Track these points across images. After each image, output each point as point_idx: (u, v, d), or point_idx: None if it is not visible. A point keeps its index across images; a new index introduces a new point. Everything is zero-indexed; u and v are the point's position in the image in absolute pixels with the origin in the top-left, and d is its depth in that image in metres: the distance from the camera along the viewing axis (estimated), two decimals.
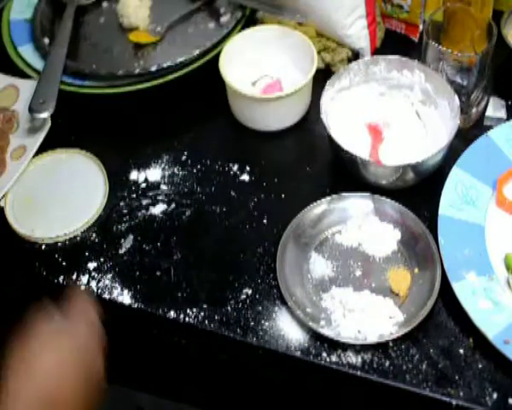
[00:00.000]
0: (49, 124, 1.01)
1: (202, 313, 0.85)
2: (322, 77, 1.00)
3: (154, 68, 1.05)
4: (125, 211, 0.95)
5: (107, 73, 1.05)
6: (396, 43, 1.14)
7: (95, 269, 0.90)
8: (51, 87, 1.02)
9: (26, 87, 1.06)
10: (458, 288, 0.82)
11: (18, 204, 0.96)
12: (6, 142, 1.02)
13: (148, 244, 0.92)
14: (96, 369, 0.74)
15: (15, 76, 1.09)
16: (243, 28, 1.10)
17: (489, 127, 0.98)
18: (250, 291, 0.86)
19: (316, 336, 0.82)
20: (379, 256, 0.88)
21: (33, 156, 1.00)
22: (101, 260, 0.90)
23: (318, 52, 1.08)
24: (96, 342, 0.76)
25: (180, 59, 1.05)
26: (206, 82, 1.07)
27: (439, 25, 1.00)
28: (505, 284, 0.83)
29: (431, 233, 0.87)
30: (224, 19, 1.14)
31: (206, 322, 0.84)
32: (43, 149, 1.01)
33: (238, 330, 0.84)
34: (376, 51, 1.11)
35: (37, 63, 1.08)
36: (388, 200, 0.91)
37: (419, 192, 0.94)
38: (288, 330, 0.83)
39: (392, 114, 1.00)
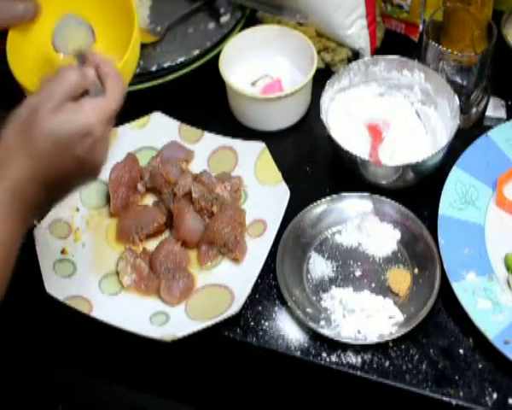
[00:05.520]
0: (287, 195, 0.91)
1: None
2: (322, 77, 1.00)
3: (154, 68, 1.05)
4: None
5: None
6: (396, 43, 1.14)
7: None
8: None
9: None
10: (458, 288, 0.82)
11: None
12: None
13: None
14: (98, 158, 0.70)
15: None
16: (243, 28, 1.10)
17: (489, 127, 0.98)
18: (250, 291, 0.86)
19: (316, 336, 0.82)
20: (379, 256, 0.88)
21: None
22: None
23: (318, 52, 1.08)
24: (107, 133, 0.71)
25: (180, 59, 1.05)
26: (206, 82, 1.07)
27: (439, 25, 1.00)
28: (505, 283, 0.83)
29: (431, 233, 0.87)
30: (223, 19, 1.14)
31: None
32: None
33: (238, 330, 0.84)
34: (376, 51, 1.11)
35: None
36: (388, 200, 0.91)
37: (419, 192, 0.94)
38: (287, 330, 0.83)
39: (392, 114, 1.00)
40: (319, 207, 0.92)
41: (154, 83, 1.04)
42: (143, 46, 1.13)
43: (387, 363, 0.80)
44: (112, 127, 0.71)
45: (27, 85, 0.86)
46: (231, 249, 0.88)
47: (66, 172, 0.68)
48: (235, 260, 0.88)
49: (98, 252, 0.91)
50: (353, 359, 0.80)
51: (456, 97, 0.93)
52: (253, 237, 0.90)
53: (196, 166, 0.98)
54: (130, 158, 0.96)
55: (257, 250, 0.88)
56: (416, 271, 0.86)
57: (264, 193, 0.93)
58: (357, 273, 0.87)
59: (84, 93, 0.70)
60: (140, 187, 0.96)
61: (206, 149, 0.99)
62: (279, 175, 0.93)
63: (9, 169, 0.66)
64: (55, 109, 0.67)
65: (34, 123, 0.66)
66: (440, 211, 0.89)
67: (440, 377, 0.78)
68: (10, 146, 0.67)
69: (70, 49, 0.80)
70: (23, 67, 0.88)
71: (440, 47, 0.95)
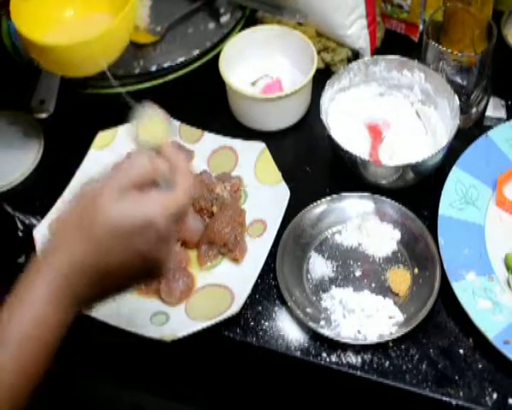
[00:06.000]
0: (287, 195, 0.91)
1: None
2: (322, 77, 1.00)
3: (154, 68, 1.05)
4: None
5: None
6: (396, 43, 1.14)
7: None
8: (51, 87, 1.02)
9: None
10: (458, 288, 0.82)
11: None
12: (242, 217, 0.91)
13: None
14: (159, 261, 0.65)
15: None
16: (243, 28, 1.10)
17: (489, 127, 0.98)
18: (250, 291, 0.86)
19: (316, 336, 0.82)
20: (379, 256, 0.88)
21: None
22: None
23: (318, 52, 1.08)
24: (172, 233, 0.65)
25: (180, 59, 1.05)
26: (206, 82, 1.07)
27: (439, 25, 1.00)
28: (505, 283, 0.83)
29: (431, 233, 0.87)
30: (223, 19, 1.14)
31: None
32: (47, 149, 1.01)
33: (238, 330, 0.84)
34: (376, 51, 1.11)
35: None
36: (388, 200, 0.91)
37: (419, 192, 0.94)
38: (287, 330, 0.83)
39: (392, 114, 1.00)
40: (319, 207, 0.92)
41: (154, 83, 1.04)
42: (143, 46, 1.14)
43: (387, 363, 0.80)
44: (178, 227, 0.66)
45: (31, 38, 0.90)
46: (231, 249, 0.88)
47: (123, 266, 0.63)
48: (235, 260, 0.88)
49: None
50: (353, 359, 0.80)
51: (456, 97, 0.93)
52: (253, 237, 0.90)
53: (196, 167, 0.98)
54: None
55: (257, 250, 0.88)
56: (415, 271, 0.86)
57: (264, 193, 0.93)
58: (357, 273, 0.87)
59: (152, 185, 0.65)
60: None
61: (206, 149, 0.99)
62: (279, 175, 0.94)
63: (63, 253, 0.62)
64: (120, 197, 0.62)
65: (96, 208, 0.62)
66: (440, 211, 0.89)
67: (440, 377, 0.78)
68: (68, 227, 0.63)
69: (147, 140, 0.71)
70: (28, 25, 0.91)
71: (440, 47, 0.95)
